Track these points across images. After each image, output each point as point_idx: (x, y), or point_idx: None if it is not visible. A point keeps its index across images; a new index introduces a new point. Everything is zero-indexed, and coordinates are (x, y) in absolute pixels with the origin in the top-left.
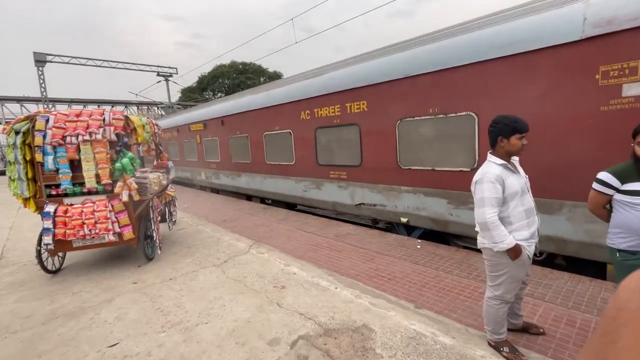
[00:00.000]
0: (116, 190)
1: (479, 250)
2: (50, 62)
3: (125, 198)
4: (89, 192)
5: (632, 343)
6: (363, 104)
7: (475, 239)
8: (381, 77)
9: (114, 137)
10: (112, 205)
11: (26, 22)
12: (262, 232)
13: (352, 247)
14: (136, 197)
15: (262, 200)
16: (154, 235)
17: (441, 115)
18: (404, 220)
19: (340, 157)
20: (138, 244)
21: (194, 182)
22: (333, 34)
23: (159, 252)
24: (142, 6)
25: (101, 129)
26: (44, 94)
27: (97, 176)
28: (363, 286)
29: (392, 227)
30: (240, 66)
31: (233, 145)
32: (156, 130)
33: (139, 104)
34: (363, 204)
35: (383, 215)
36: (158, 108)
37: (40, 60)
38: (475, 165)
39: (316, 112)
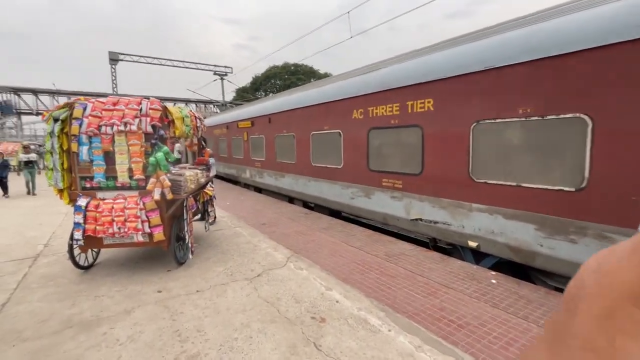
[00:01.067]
0: (148, 187)
1: None
2: (122, 60)
3: (157, 196)
4: (122, 187)
5: (587, 315)
6: (428, 102)
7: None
8: (453, 70)
9: (149, 129)
10: (143, 203)
11: (107, 25)
12: (302, 242)
13: (407, 272)
14: (169, 196)
15: (305, 204)
16: (187, 237)
17: (535, 118)
18: (472, 244)
19: (395, 164)
20: (169, 246)
21: (239, 180)
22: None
23: (190, 256)
24: (204, 10)
25: (137, 120)
26: (115, 90)
27: (130, 170)
28: (425, 332)
29: (453, 250)
30: (292, 67)
31: (279, 144)
32: (198, 124)
33: (197, 102)
34: (421, 219)
35: (445, 236)
36: (214, 106)
37: (114, 59)
38: (584, 185)
39: (371, 112)
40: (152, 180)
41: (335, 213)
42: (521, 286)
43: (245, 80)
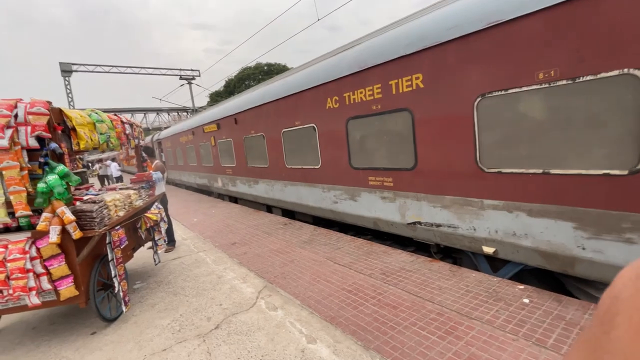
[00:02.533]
0: (39, 226)
1: None
2: (76, 71)
3: (53, 238)
4: (6, 229)
5: (626, 330)
6: (417, 78)
7: None
8: (446, 34)
9: (33, 143)
10: (37, 249)
11: (77, 43)
12: (278, 265)
13: (412, 297)
14: (75, 234)
15: (285, 212)
16: (116, 285)
17: (564, 82)
18: (488, 250)
19: (383, 158)
20: (88, 302)
21: (211, 190)
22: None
23: (124, 308)
24: (173, 18)
25: (8, 131)
26: (72, 104)
27: (9, 204)
28: None
29: (462, 255)
30: (266, 67)
31: (248, 147)
32: (128, 131)
33: (169, 110)
34: (419, 222)
35: (452, 241)
36: (188, 113)
37: (66, 70)
38: None
39: (347, 98)
40: (44, 215)
41: (319, 220)
42: (564, 305)
43: (219, 84)
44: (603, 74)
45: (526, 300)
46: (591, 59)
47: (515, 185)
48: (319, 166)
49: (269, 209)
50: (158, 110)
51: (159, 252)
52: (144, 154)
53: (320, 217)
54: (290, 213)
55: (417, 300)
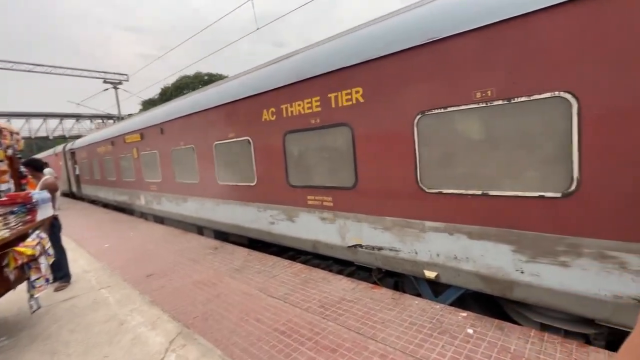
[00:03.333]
0: None
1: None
2: None
3: None
4: None
5: None
6: (357, 92)
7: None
8: (386, 47)
9: None
10: None
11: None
12: (201, 302)
13: (354, 335)
14: None
15: (217, 234)
16: None
17: (500, 102)
18: (430, 275)
19: (322, 176)
20: None
21: (133, 208)
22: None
23: None
24: (101, 16)
25: None
26: None
27: None
28: None
29: (404, 279)
30: (206, 77)
31: (176, 160)
32: None
33: (91, 117)
34: (360, 245)
35: (394, 265)
36: (115, 121)
37: None
38: (573, 188)
39: (284, 110)
40: None
41: (256, 241)
42: (506, 334)
43: (153, 90)
44: (536, 96)
45: (470, 331)
46: (524, 80)
47: (455, 207)
48: (254, 183)
49: (200, 230)
50: (77, 116)
51: (38, 295)
52: (23, 169)
53: (256, 240)
54: (224, 234)
55: (359, 339)
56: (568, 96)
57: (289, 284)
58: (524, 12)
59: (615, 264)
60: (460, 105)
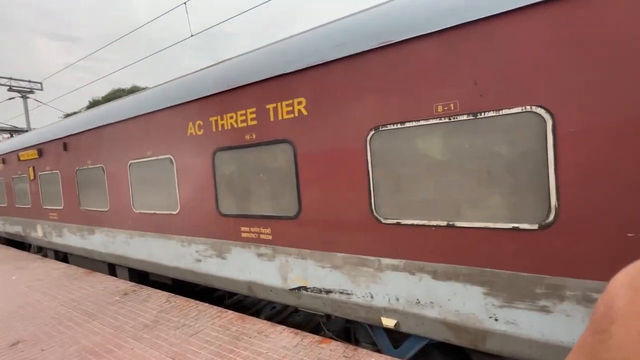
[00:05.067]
0: None
1: None
2: None
3: None
4: None
5: (623, 340)
6: (299, 103)
7: None
8: (333, 52)
9: None
10: None
11: None
12: None
13: None
14: None
15: (136, 274)
16: None
17: (465, 117)
18: (388, 323)
19: (259, 202)
20: None
21: (28, 241)
22: None
23: None
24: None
25: None
26: None
27: None
28: None
29: (357, 327)
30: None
31: (82, 183)
32: None
33: None
34: (305, 288)
35: (346, 311)
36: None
37: None
38: (552, 219)
39: (214, 123)
40: None
41: (180, 283)
42: None
43: (81, 103)
44: (505, 111)
45: None
46: (492, 93)
47: (417, 241)
48: (177, 211)
49: (113, 268)
50: None
51: None
52: None
53: (180, 281)
54: (142, 274)
55: None
56: (541, 111)
57: (214, 344)
58: (489, 14)
59: None
60: (420, 120)
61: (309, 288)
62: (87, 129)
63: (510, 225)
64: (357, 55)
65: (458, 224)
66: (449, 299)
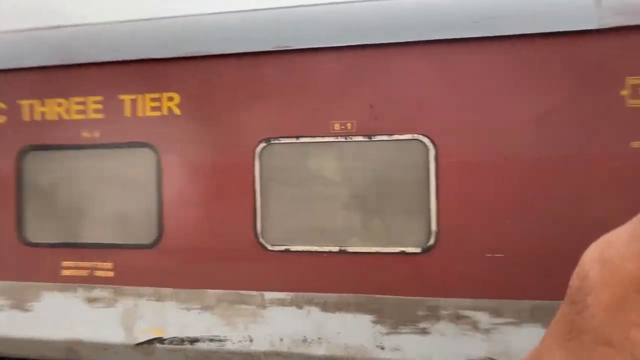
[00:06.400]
0: None
1: None
2: None
3: None
4: None
5: (598, 308)
6: (170, 99)
7: None
8: (221, 45)
9: None
10: None
11: None
12: None
13: None
14: None
15: None
16: None
17: (361, 138)
18: None
19: (97, 226)
20: None
21: None
22: None
23: None
24: None
25: None
26: None
27: None
28: None
29: None
30: None
31: None
32: None
33: None
34: (161, 340)
35: None
36: None
37: None
38: (432, 242)
39: (27, 109)
40: None
41: None
42: None
43: None
44: (397, 136)
45: None
46: (385, 117)
47: (307, 269)
48: None
49: None
50: None
51: None
52: None
53: None
54: None
55: None
56: (425, 140)
57: None
58: (381, 42)
59: (469, 324)
60: (316, 136)
61: (167, 339)
62: None
63: (398, 250)
64: (253, 55)
65: (350, 249)
66: (338, 332)
